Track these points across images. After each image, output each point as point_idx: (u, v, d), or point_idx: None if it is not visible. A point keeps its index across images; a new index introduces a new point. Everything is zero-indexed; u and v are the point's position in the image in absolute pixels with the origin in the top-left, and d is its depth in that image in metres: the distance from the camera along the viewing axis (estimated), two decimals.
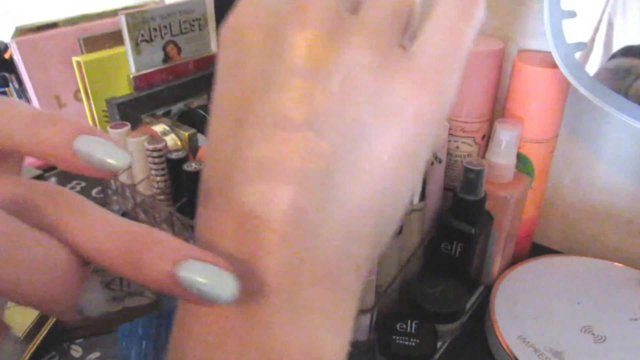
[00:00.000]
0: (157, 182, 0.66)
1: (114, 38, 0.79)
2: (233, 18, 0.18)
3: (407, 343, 0.44)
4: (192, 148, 0.69)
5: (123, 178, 0.71)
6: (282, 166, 0.16)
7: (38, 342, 0.48)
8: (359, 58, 0.17)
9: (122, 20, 0.73)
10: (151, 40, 0.77)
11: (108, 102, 0.75)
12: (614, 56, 0.46)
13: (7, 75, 0.91)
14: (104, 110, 0.78)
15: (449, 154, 0.56)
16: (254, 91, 0.17)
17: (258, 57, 0.17)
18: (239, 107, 0.17)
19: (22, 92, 0.91)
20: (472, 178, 0.48)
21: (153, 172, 0.65)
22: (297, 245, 0.16)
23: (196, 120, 0.74)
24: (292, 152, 0.16)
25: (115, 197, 0.73)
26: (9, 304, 0.56)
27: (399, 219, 0.19)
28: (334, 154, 0.16)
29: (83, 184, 0.79)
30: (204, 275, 0.15)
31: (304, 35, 0.16)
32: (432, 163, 0.51)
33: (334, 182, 0.16)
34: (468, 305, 0.53)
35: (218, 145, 0.18)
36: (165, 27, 0.79)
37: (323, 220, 0.16)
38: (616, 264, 0.54)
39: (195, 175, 0.60)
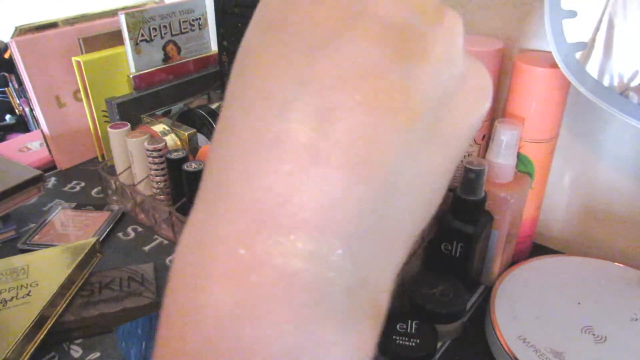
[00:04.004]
0: (157, 182, 0.66)
1: (114, 38, 0.79)
2: None
3: (407, 343, 0.44)
4: (192, 148, 0.69)
5: (123, 178, 0.71)
6: None
7: (38, 342, 0.48)
8: None
9: (121, 20, 0.73)
10: (151, 40, 0.77)
11: (108, 102, 0.74)
12: None
13: (6, 75, 0.91)
14: (103, 110, 0.78)
15: None
16: None
17: None
18: None
19: (21, 92, 0.91)
20: (472, 178, 0.48)
21: (153, 172, 0.65)
22: None
23: (196, 120, 0.74)
24: None
25: (115, 197, 0.73)
26: (9, 304, 0.56)
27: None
28: None
29: (83, 184, 0.79)
30: None
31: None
32: None
33: None
34: (468, 305, 0.53)
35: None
36: (165, 26, 0.79)
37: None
38: (616, 264, 0.54)
39: (195, 175, 0.60)
